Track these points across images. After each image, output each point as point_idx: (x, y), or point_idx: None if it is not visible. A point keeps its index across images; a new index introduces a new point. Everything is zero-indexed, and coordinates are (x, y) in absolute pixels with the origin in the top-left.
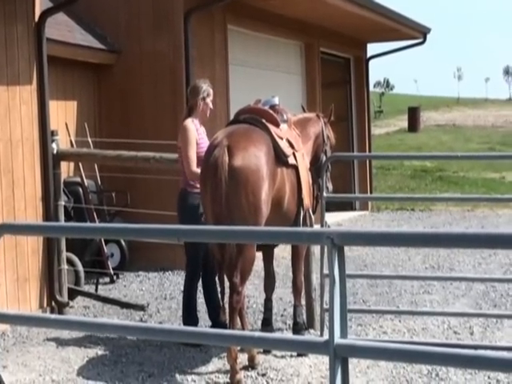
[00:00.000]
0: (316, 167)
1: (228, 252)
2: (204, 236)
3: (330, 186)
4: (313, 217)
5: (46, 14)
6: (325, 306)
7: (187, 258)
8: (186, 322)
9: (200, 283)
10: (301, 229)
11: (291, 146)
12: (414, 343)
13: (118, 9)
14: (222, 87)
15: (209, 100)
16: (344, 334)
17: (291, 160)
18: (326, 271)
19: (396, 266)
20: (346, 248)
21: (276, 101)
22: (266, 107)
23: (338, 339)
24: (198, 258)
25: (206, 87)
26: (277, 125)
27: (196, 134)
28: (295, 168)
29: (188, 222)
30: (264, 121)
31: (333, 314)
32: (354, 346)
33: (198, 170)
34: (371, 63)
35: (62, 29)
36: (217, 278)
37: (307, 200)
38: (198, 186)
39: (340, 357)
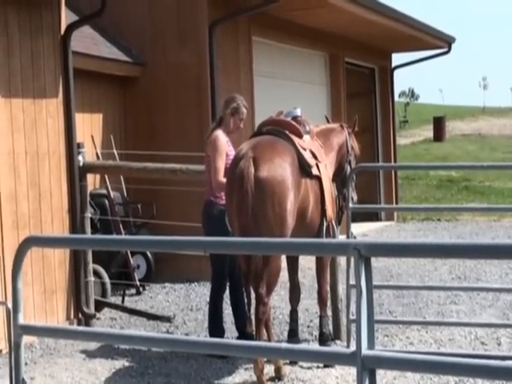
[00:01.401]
0: (341, 177)
1: (254, 263)
2: (231, 248)
3: (355, 197)
4: (336, 228)
5: (71, 28)
6: (351, 317)
7: (213, 269)
8: (212, 334)
9: (226, 294)
10: (328, 240)
11: (314, 156)
12: (441, 354)
13: (142, 21)
14: (246, 98)
15: (238, 118)
16: (371, 345)
17: (314, 171)
18: (352, 282)
19: (422, 277)
20: (372, 258)
21: (298, 112)
22: (288, 118)
23: (365, 350)
24: (223, 268)
25: (236, 104)
26: (300, 136)
27: (226, 145)
28: (318, 179)
29: (214, 233)
30: (287, 132)
31: (360, 325)
32: (382, 357)
33: (224, 180)
34: (396, 73)
35: (88, 42)
36: (243, 289)
37: (330, 211)
38: (224, 196)
39: (368, 368)
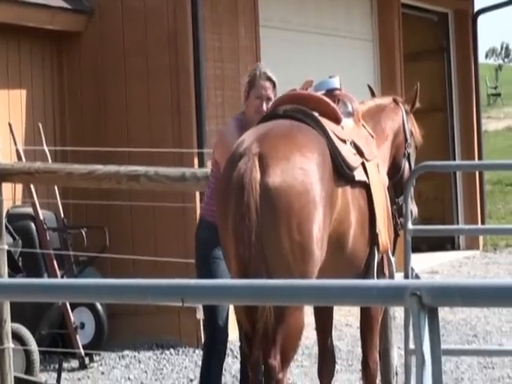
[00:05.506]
0: (395, 181)
1: (262, 319)
2: (223, 295)
3: (415, 210)
4: (393, 262)
5: None
6: None
7: (204, 316)
8: None
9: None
10: (372, 282)
11: (359, 152)
12: None
13: None
14: (249, 61)
15: (254, 95)
16: None
17: (359, 175)
18: (412, 345)
19: None
20: (447, 310)
21: (336, 83)
22: (319, 93)
23: None
24: (216, 321)
25: (252, 75)
26: (337, 120)
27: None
28: (366, 187)
29: (198, 265)
30: (317, 114)
31: None
32: None
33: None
34: (481, 20)
35: None
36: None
37: (385, 236)
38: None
39: None
